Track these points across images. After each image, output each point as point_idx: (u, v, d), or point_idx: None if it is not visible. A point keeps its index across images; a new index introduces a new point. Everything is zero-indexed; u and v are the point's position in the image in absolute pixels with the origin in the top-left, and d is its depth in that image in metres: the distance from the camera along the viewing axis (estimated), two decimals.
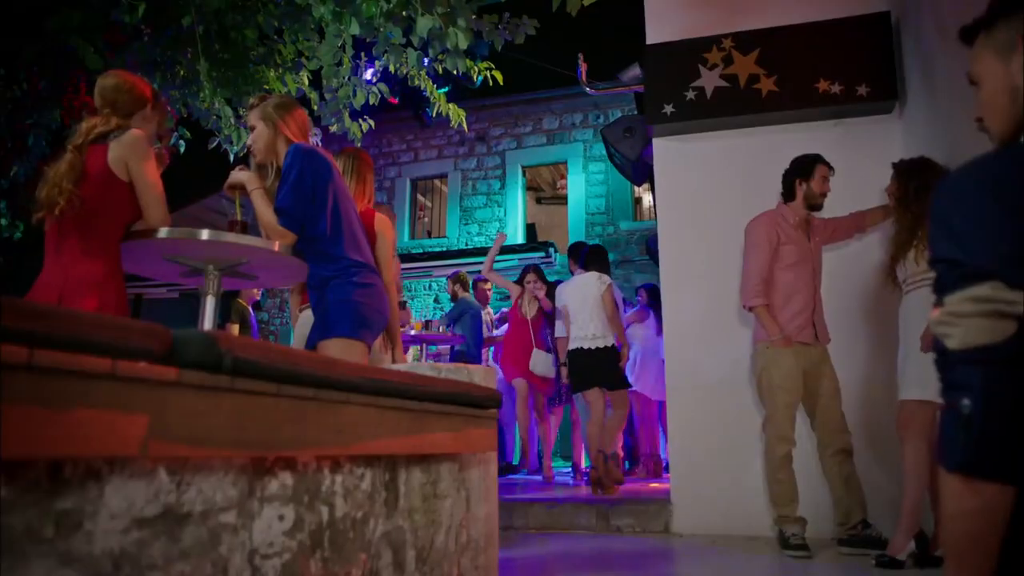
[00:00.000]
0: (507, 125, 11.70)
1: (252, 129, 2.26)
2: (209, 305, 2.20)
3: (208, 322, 2.19)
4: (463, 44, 4.00)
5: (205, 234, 2.09)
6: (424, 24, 3.90)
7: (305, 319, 2.68)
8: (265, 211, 2.18)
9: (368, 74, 5.52)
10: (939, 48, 3.22)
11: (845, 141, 3.78)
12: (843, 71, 3.74)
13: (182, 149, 5.86)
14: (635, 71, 5.57)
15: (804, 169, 3.36)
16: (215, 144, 5.87)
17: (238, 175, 2.25)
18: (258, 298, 6.69)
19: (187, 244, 2.08)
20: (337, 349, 2.13)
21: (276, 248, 2.09)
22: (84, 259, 1.96)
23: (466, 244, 11.39)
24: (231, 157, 6.07)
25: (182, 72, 5.48)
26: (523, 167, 11.77)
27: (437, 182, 12.25)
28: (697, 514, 3.71)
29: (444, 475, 1.75)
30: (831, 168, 3.36)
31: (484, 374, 2.33)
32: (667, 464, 6.95)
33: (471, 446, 1.80)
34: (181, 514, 0.95)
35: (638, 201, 11.55)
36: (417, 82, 5.33)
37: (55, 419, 0.74)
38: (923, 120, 3.49)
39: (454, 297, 6.62)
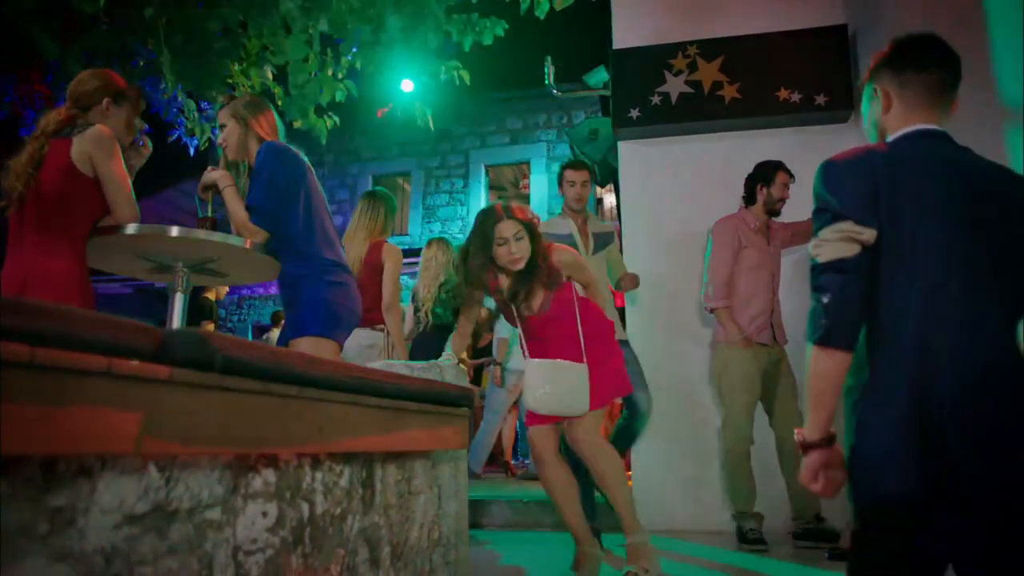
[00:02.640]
0: (472, 124, 11.71)
1: (223, 127, 2.25)
2: (178, 302, 2.18)
3: (177, 319, 2.18)
4: (432, 44, 4.01)
5: (175, 231, 2.07)
6: (394, 23, 3.90)
7: None
8: (237, 209, 2.17)
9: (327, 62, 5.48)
10: None
11: (804, 148, 3.89)
12: (802, 81, 3.86)
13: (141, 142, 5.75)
14: (601, 74, 5.64)
15: (766, 175, 3.46)
16: (175, 137, 5.78)
17: (210, 174, 2.23)
18: (223, 297, 6.60)
19: (158, 241, 2.06)
20: (309, 347, 2.13)
21: (248, 245, 2.08)
22: (46, 254, 1.93)
23: None
24: (191, 150, 5.97)
25: (142, 63, 5.38)
26: (486, 166, 11.80)
27: (400, 179, 12.20)
28: (658, 510, 3.79)
29: (418, 472, 1.77)
30: (791, 176, 3.47)
31: (455, 372, 2.35)
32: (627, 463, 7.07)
33: (444, 443, 1.82)
34: (169, 511, 0.96)
35: (599, 202, 11.68)
36: (383, 80, 5.32)
37: (53, 416, 0.75)
38: None
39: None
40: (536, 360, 2.52)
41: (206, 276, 2.29)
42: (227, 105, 2.27)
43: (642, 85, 4.09)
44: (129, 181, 2.04)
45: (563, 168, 3.50)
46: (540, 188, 11.41)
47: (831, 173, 1.31)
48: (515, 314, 2.61)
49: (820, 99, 3.83)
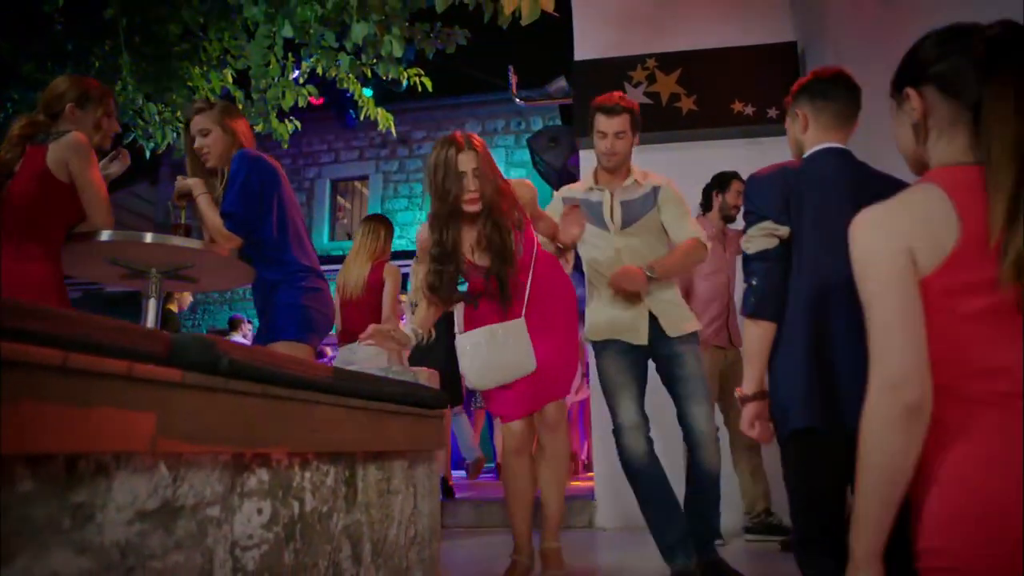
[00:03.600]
0: (430, 128, 11.74)
1: (205, 134, 2.27)
2: (151, 308, 2.20)
3: (150, 325, 2.19)
4: (398, 52, 4.07)
5: (149, 237, 2.10)
6: (359, 31, 3.95)
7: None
8: (211, 216, 2.20)
9: (295, 74, 5.48)
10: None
11: (757, 158, 4.04)
12: (755, 94, 4.04)
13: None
14: (561, 83, 5.77)
15: (722, 183, 3.61)
16: (130, 139, 5.69)
17: (184, 182, 2.25)
18: (186, 307, 6.53)
19: (132, 247, 2.08)
20: (285, 352, 2.17)
21: (225, 252, 2.11)
22: (23, 259, 1.93)
23: None
24: (147, 153, 5.89)
25: (97, 63, 5.30)
26: None
27: (358, 184, 12.16)
28: (620, 509, 3.90)
29: (396, 472, 1.83)
30: (744, 182, 3.63)
31: (428, 376, 2.42)
32: (586, 463, 7.18)
33: (421, 444, 1.89)
34: (176, 507, 1.01)
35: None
36: (346, 85, 5.34)
37: (79, 416, 0.80)
38: None
39: None
40: (465, 334, 2.29)
41: (179, 282, 2.30)
42: (207, 111, 2.29)
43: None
44: (105, 188, 2.05)
45: (594, 112, 2.60)
46: None
47: (754, 185, 1.71)
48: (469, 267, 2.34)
49: (772, 112, 4.00)
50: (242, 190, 2.19)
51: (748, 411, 1.67)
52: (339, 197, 12.18)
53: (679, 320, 2.60)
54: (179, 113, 5.32)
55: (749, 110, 4.04)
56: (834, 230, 1.41)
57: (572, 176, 5.99)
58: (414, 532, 1.96)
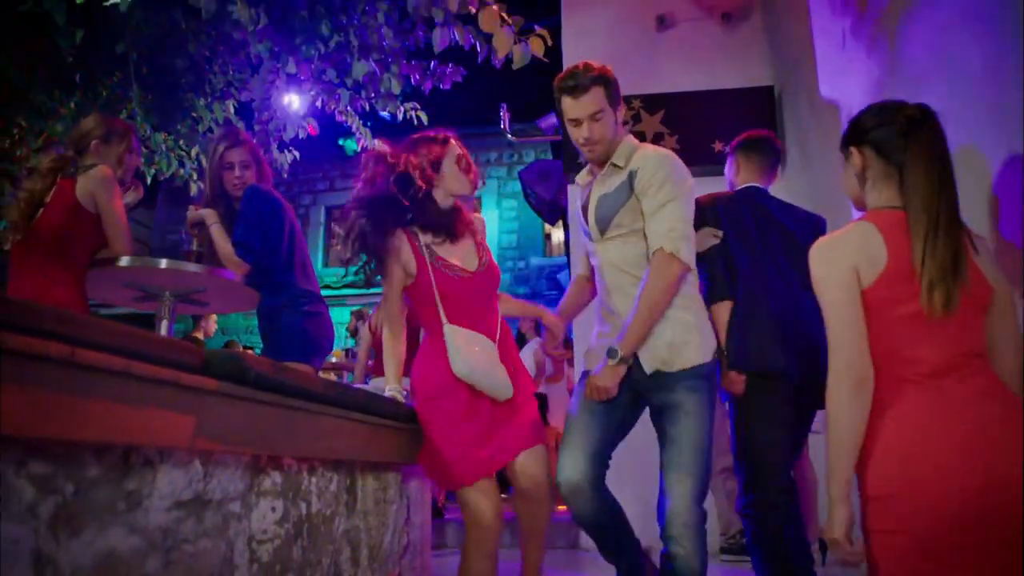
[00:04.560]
0: None
1: (247, 167, 2.43)
2: (163, 328, 2.35)
3: None
4: (396, 89, 4.28)
5: (164, 263, 2.26)
6: (360, 69, 4.15)
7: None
8: (223, 244, 2.36)
9: (292, 101, 5.66)
10: (811, 119, 3.77)
11: None
12: (735, 134, 4.24)
13: None
14: (552, 119, 6.01)
15: (702, 218, 3.81)
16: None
17: (197, 213, 2.42)
18: (212, 334, 6.70)
19: (149, 272, 2.24)
20: None
21: (237, 278, 2.28)
22: (51, 282, 2.08)
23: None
24: (148, 180, 6.06)
25: (104, 93, 5.49)
26: None
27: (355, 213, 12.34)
28: None
29: (391, 483, 1.98)
30: None
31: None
32: None
33: (413, 457, 2.04)
34: (205, 500, 1.17)
35: (548, 237, 12.05)
36: (345, 118, 5.55)
37: (136, 414, 0.96)
38: (797, 177, 4.03)
39: (353, 333, 6.85)
40: (454, 326, 1.96)
41: (188, 303, 2.46)
42: (244, 146, 2.45)
43: None
44: (125, 218, 2.22)
45: (557, 95, 1.97)
46: (491, 224, 11.71)
47: (697, 205, 2.09)
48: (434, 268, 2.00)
49: None
50: (253, 222, 2.36)
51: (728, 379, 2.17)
52: (333, 224, 12.36)
53: (675, 347, 1.87)
54: (182, 142, 5.51)
55: (728, 149, 4.25)
56: (750, 237, 2.26)
57: (561, 208, 6.20)
58: (407, 540, 2.10)
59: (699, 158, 4.29)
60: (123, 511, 0.99)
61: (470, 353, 1.93)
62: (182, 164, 5.23)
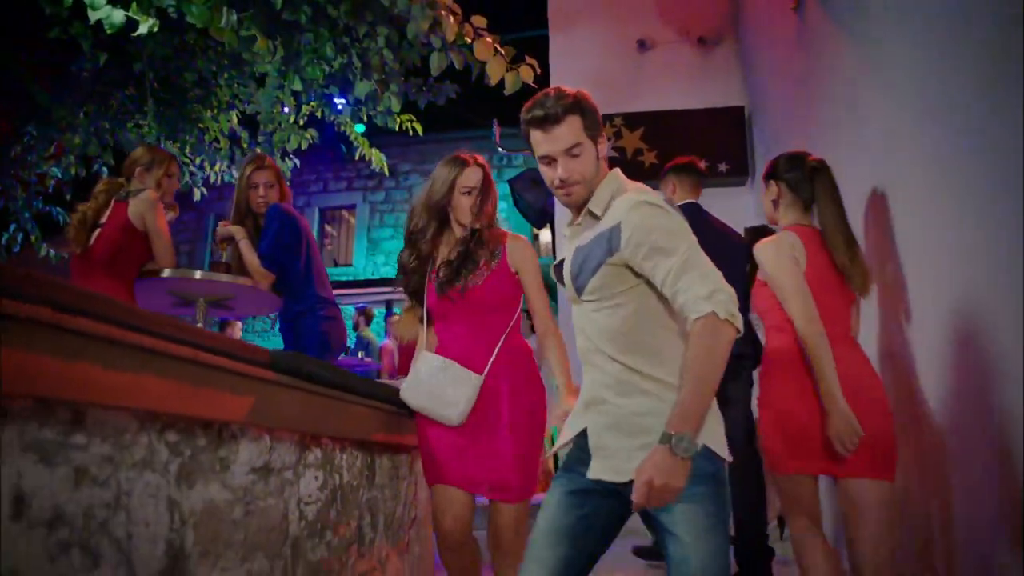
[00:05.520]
0: (415, 162, 12.28)
1: (271, 186, 2.74)
2: None
3: None
4: (395, 108, 4.60)
5: (198, 274, 2.60)
6: (362, 88, 4.47)
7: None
8: (251, 257, 2.68)
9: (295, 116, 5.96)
10: (778, 138, 4.13)
11: (709, 206, 4.63)
12: (709, 151, 4.61)
13: (105, 174, 6.09)
14: None
15: None
16: None
17: (227, 229, 2.73)
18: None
19: (187, 282, 2.56)
20: None
21: (264, 288, 2.60)
22: (109, 292, 2.40)
23: (372, 273, 11.82)
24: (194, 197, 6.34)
25: (115, 104, 5.78)
26: None
27: (345, 212, 12.64)
28: None
29: (403, 462, 2.32)
30: None
31: None
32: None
33: None
34: (270, 468, 1.50)
35: (536, 238, 12.39)
36: (344, 128, 5.87)
37: (231, 399, 1.29)
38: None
39: (355, 327, 7.20)
40: (428, 354, 2.04)
41: (219, 308, 2.78)
42: (270, 169, 2.76)
43: None
44: (169, 234, 2.53)
45: (525, 129, 1.56)
46: None
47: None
48: (426, 285, 2.11)
49: (723, 167, 4.59)
50: (276, 237, 2.68)
51: None
52: (327, 225, 12.65)
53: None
54: (188, 150, 5.82)
55: (703, 164, 4.61)
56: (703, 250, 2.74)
57: (548, 214, 6.55)
58: (415, 513, 2.44)
59: None
60: (218, 471, 1.32)
61: (415, 377, 2.01)
62: (189, 172, 5.53)
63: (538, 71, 3.66)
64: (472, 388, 1.98)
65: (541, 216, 6.63)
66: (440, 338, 2.12)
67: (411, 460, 2.40)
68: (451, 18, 3.62)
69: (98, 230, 2.43)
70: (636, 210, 1.48)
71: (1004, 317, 1.61)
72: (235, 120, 6.12)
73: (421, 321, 2.14)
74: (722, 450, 1.42)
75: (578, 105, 1.53)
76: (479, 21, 3.65)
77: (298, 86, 4.84)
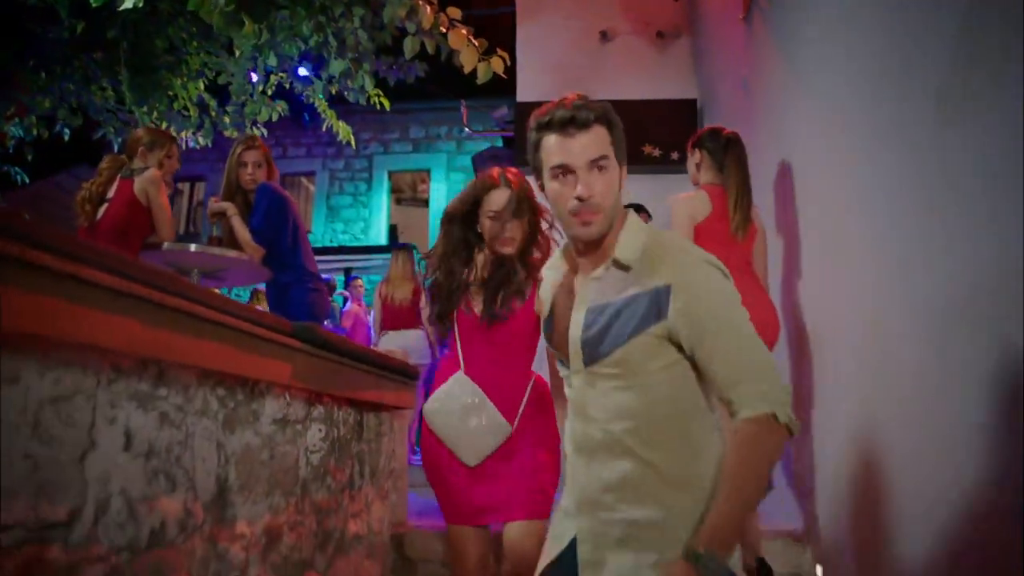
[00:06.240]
0: (376, 130, 12.35)
1: (260, 166, 2.94)
2: None
3: None
4: (369, 87, 4.80)
5: (193, 247, 2.82)
6: (337, 66, 4.65)
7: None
8: (242, 231, 2.90)
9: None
10: None
11: (662, 193, 4.97)
12: (662, 140, 4.95)
13: (67, 136, 6.12)
14: (503, 111, 6.60)
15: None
16: (100, 134, 6.20)
17: (219, 205, 2.94)
18: None
19: (184, 255, 2.78)
20: None
21: (256, 260, 2.84)
22: None
23: (331, 241, 11.93)
24: (115, 147, 6.40)
25: (79, 66, 5.81)
26: (389, 172, 12.49)
27: (304, 179, 12.65)
28: None
29: (385, 420, 2.61)
30: (649, 215, 4.53)
31: (401, 356, 3.19)
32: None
33: (401, 402, 2.67)
34: (287, 420, 1.78)
35: None
36: (313, 101, 6.01)
37: (260, 360, 1.56)
38: None
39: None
40: (465, 381, 1.99)
41: (212, 279, 3.00)
42: (260, 149, 2.96)
43: None
44: (170, 210, 2.74)
45: (538, 134, 1.36)
46: (439, 195, 12.24)
47: None
48: (454, 313, 2.03)
49: (675, 155, 4.92)
50: (266, 214, 2.91)
51: None
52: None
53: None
54: (155, 116, 5.89)
55: (656, 152, 4.95)
56: None
57: None
58: (394, 466, 2.74)
59: (630, 159, 4.96)
60: (251, 422, 1.60)
61: (447, 402, 1.98)
62: None
63: (508, 63, 3.91)
64: (501, 439, 1.96)
65: None
66: (464, 353, 2.03)
67: (391, 419, 2.69)
68: (427, 8, 3.83)
69: (104, 205, 2.63)
70: (695, 271, 1.25)
71: (910, 310, 1.98)
72: (202, 87, 6.20)
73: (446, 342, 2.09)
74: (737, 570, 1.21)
75: (608, 117, 1.36)
76: (454, 12, 3.86)
77: (273, 62, 4.98)
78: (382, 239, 12.01)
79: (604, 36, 5.15)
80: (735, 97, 4.11)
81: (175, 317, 1.24)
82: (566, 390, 1.41)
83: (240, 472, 1.54)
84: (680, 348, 1.25)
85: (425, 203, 12.77)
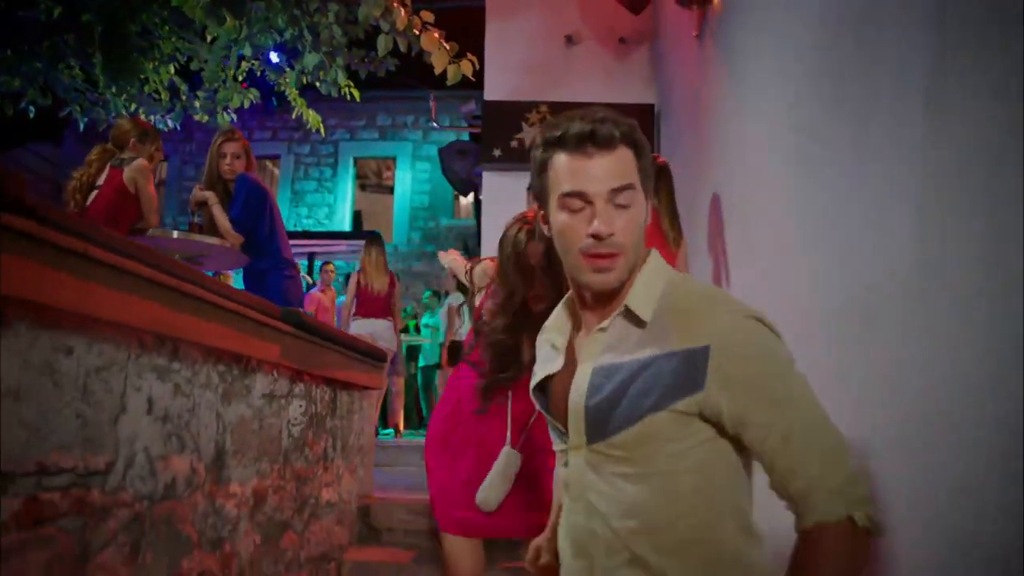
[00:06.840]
0: (343, 116, 12.39)
1: (239, 157, 3.09)
2: None
3: None
4: (342, 81, 4.96)
5: (176, 234, 2.99)
6: (311, 60, 4.80)
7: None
8: (223, 219, 3.07)
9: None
10: (680, 135, 4.77)
11: None
12: None
13: (32, 114, 6.14)
14: (471, 106, 6.80)
15: None
16: (66, 112, 6.23)
17: (201, 194, 3.10)
18: None
19: (167, 241, 2.95)
20: None
21: (235, 247, 3.02)
22: None
23: (295, 225, 11.98)
24: (80, 126, 6.43)
25: (49, 46, 5.83)
26: (355, 158, 12.57)
27: (269, 163, 12.65)
28: None
29: (356, 398, 2.83)
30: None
31: (369, 340, 3.41)
32: None
33: (371, 383, 2.88)
34: (273, 395, 1.99)
35: (457, 199, 12.83)
36: (284, 89, 6.13)
37: (253, 340, 1.77)
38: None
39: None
40: (513, 452, 1.95)
41: (194, 264, 3.17)
42: (240, 140, 3.12)
43: (504, 131, 5.28)
44: (156, 200, 2.90)
45: (548, 151, 1.05)
46: (404, 183, 12.38)
47: None
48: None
49: None
50: (245, 203, 3.08)
51: None
52: None
53: None
54: (125, 97, 5.95)
55: None
56: None
57: (473, 184, 7.04)
58: (363, 442, 2.96)
59: None
60: (244, 395, 1.81)
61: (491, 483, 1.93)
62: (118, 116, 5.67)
63: (476, 66, 4.12)
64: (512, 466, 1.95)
65: (466, 185, 7.11)
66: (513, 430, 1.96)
67: (361, 398, 2.91)
68: (402, 10, 4.01)
69: (95, 192, 2.78)
70: (738, 330, 0.97)
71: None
72: (172, 71, 6.27)
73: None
74: None
75: (635, 137, 1.06)
76: (427, 16, 4.06)
77: (248, 51, 5.11)
78: (346, 225, 12.12)
79: (569, 40, 5.38)
80: (688, 104, 4.39)
81: (190, 302, 1.44)
82: (559, 469, 1.15)
83: (235, 439, 1.75)
84: (716, 425, 0.96)
85: (390, 190, 12.89)
